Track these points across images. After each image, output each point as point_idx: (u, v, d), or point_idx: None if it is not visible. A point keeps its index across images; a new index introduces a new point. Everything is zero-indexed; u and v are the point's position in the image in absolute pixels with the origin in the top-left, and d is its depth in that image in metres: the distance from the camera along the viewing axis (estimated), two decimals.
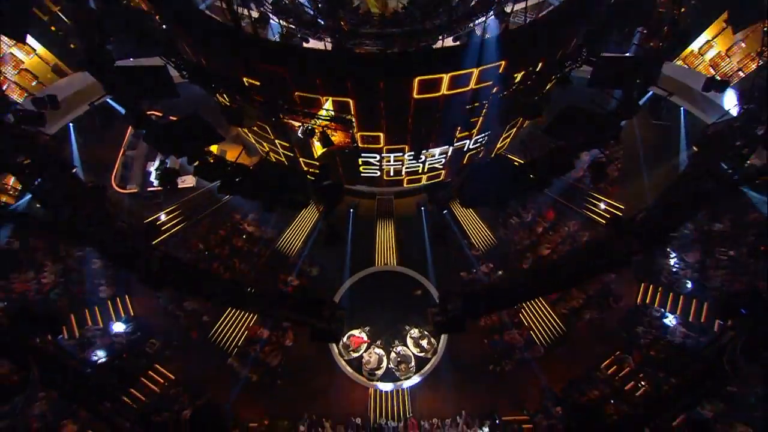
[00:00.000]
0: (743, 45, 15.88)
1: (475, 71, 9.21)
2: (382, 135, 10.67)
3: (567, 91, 11.21)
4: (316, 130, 10.00)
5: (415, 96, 9.60)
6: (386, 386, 14.42)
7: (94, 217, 7.75)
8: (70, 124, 17.21)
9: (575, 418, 6.04)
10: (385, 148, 11.30)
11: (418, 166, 12.90)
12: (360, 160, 11.59)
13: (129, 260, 6.95)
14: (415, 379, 14.53)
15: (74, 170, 8.85)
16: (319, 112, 9.16)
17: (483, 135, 12.26)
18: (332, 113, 9.01)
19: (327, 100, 9.31)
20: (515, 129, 14.22)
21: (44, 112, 9.59)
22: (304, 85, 9.53)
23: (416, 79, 9.14)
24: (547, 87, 12.16)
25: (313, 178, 7.74)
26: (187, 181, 17.73)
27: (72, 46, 18.05)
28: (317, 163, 10.93)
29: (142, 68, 11.14)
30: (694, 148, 9.31)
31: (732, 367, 5.54)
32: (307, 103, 9.57)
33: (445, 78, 9.30)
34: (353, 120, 9.36)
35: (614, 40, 10.89)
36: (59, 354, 6.11)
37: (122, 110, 12.06)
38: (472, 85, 9.70)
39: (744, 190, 15.52)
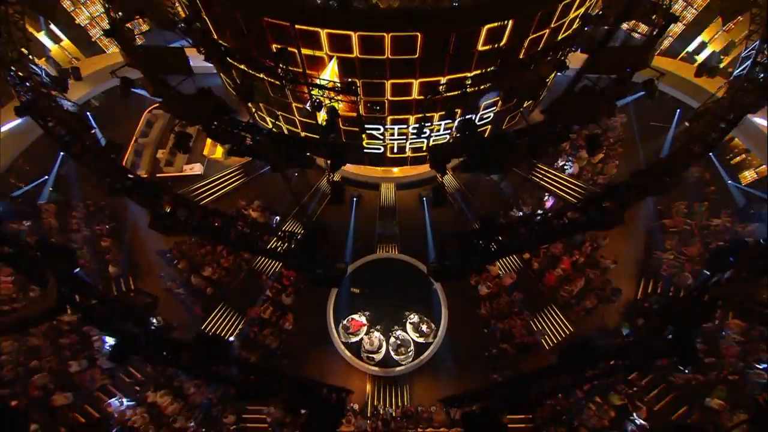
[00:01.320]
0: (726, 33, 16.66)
1: (483, 30, 9.39)
2: (386, 102, 11.11)
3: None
4: (324, 103, 10.51)
5: (421, 57, 9.56)
6: (384, 371, 14.40)
7: (110, 168, 8.17)
8: (88, 113, 18.03)
9: (565, 353, 6.15)
10: (389, 118, 11.74)
11: (423, 142, 13.25)
12: (364, 135, 12.01)
13: (142, 201, 7.30)
14: (414, 365, 14.52)
15: (93, 131, 9.39)
16: (321, 77, 9.40)
17: (488, 111, 12.71)
18: (338, 84, 9.44)
19: (332, 58, 9.71)
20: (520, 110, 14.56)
21: (67, 79, 10.21)
22: (310, 40, 9.70)
23: (421, 36, 9.09)
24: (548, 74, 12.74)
25: (320, 132, 8.08)
26: (195, 169, 18.31)
27: (93, 39, 19.04)
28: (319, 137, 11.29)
29: (161, 47, 11.91)
30: (686, 123, 9.70)
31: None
32: (313, 63, 9.86)
33: (452, 38, 9.27)
34: (357, 84, 9.64)
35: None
36: (79, 280, 6.38)
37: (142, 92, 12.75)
38: (479, 46, 9.85)
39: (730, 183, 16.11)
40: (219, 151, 18.94)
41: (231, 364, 6.04)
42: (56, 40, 16.91)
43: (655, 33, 10.33)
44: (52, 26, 16.73)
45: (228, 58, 10.59)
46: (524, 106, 13.95)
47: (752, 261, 6.26)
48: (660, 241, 16.33)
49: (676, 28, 17.93)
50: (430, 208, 17.11)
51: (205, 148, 18.89)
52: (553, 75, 12.78)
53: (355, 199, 17.46)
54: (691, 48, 18.06)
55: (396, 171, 18.28)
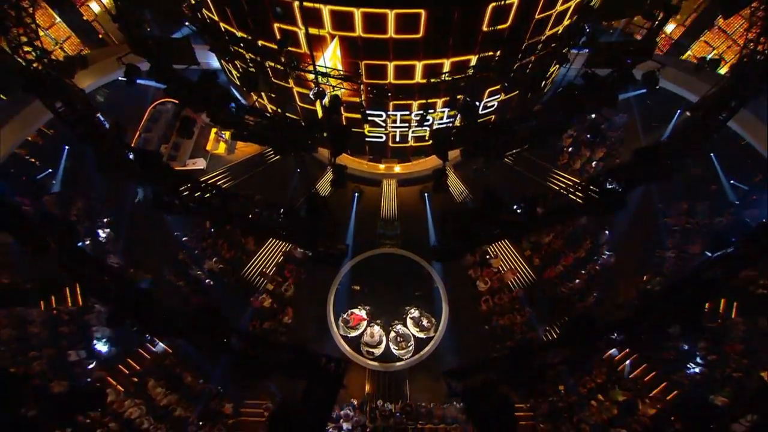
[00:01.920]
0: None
1: (488, 9, 9.36)
2: (389, 86, 11.09)
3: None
4: (327, 92, 10.59)
5: (424, 37, 9.52)
6: (384, 366, 14.29)
7: (113, 149, 8.23)
8: None
9: (570, 327, 6.10)
10: (391, 104, 11.78)
11: (425, 130, 13.23)
12: (366, 125, 12.03)
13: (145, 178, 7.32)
14: (414, 360, 14.40)
15: (98, 114, 9.50)
16: (323, 61, 9.28)
17: (492, 99, 12.95)
18: (341, 72, 9.51)
19: (334, 38, 9.73)
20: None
21: (75, 66, 10.32)
22: (312, 18, 9.61)
23: (424, 12, 8.98)
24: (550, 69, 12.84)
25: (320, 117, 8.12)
26: (198, 164, 18.40)
27: (99, 36, 19.27)
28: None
29: (166, 37, 12.05)
30: (687, 113, 9.72)
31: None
32: (315, 44, 9.86)
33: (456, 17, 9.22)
34: (360, 67, 9.61)
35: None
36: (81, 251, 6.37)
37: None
38: (484, 27, 9.75)
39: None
40: (222, 147, 19.06)
41: (230, 335, 6.03)
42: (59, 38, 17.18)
43: (655, 25, 10.42)
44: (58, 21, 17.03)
45: (232, 46, 10.71)
46: (528, 97, 14.02)
47: (753, 240, 6.24)
48: (663, 240, 16.29)
49: (677, 29, 18.11)
50: (432, 204, 17.12)
51: (208, 143, 19.01)
52: (555, 68, 12.86)
53: (356, 194, 17.49)
54: (691, 48, 18.20)
55: (398, 169, 18.37)
